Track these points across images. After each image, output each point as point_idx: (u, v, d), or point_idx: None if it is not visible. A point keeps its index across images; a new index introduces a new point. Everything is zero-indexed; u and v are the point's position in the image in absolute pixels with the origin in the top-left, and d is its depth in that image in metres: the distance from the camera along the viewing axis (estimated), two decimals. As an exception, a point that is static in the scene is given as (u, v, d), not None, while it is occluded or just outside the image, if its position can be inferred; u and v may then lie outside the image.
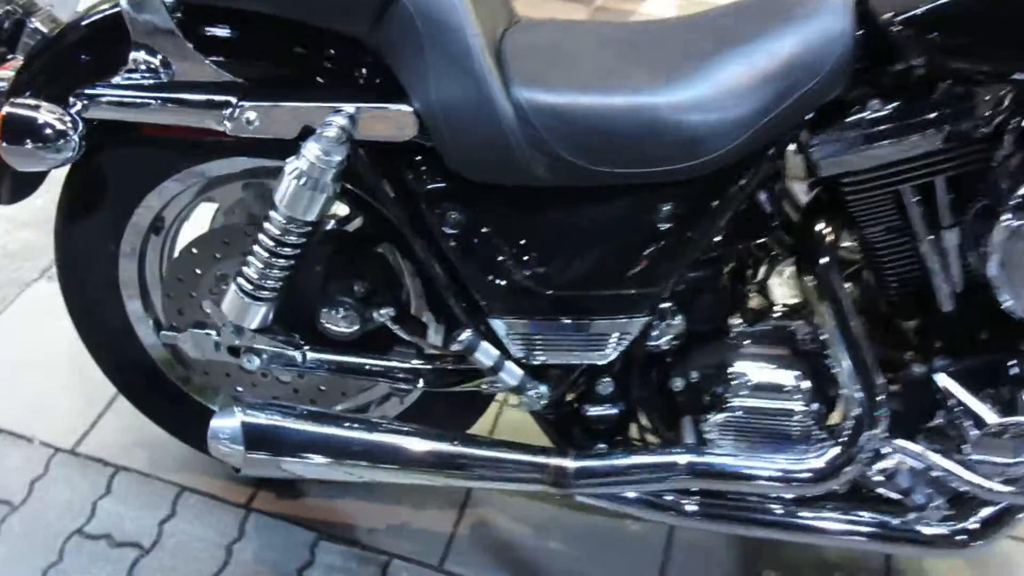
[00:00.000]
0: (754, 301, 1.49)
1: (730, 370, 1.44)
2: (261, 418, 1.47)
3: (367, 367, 1.55)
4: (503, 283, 1.38)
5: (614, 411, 1.50)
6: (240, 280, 1.44)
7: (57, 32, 1.42)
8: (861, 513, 1.48)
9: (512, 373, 1.43)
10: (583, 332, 1.41)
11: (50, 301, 2.21)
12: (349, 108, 1.29)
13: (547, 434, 1.55)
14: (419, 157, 1.33)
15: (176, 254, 1.61)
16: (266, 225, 1.39)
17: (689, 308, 1.45)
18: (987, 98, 1.20)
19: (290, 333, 1.54)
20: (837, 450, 1.40)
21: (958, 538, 1.44)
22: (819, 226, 1.36)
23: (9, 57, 1.46)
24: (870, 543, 1.47)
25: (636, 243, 1.35)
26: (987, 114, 1.20)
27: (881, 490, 1.45)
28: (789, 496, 1.46)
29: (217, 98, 1.33)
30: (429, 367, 1.55)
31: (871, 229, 1.33)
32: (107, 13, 1.39)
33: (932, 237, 1.29)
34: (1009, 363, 1.34)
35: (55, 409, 2.01)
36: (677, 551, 1.80)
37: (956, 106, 1.21)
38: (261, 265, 1.42)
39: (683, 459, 1.43)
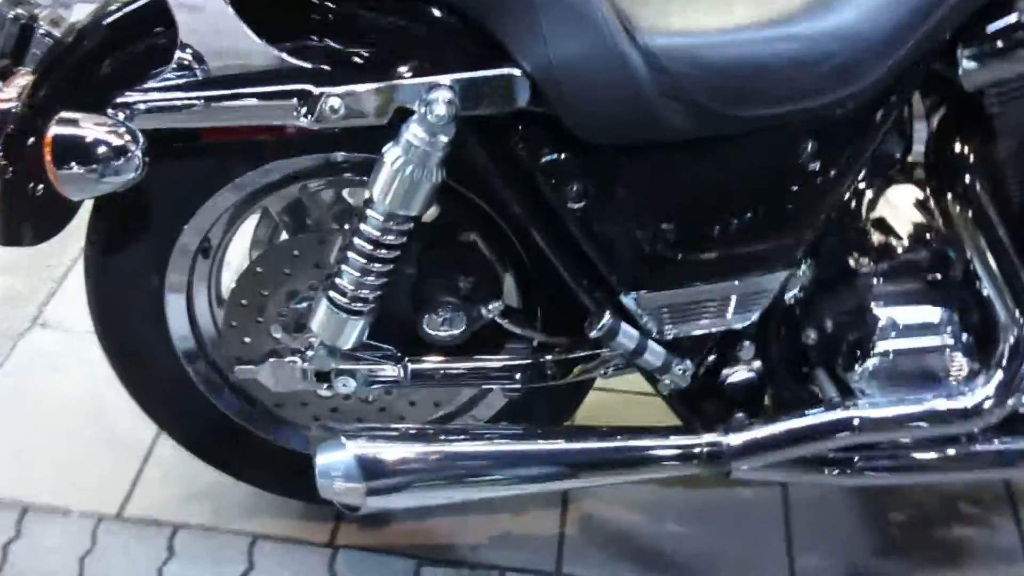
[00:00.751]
0: (880, 236, 1.39)
1: (870, 314, 1.34)
2: (376, 446, 1.30)
3: (477, 371, 1.40)
4: (636, 254, 1.24)
5: (753, 377, 1.38)
6: (332, 294, 1.26)
7: (75, 34, 1.20)
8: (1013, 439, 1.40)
9: (656, 352, 1.30)
10: (725, 295, 1.29)
11: (49, 351, 1.99)
12: (449, 80, 1.13)
13: (679, 414, 1.42)
14: (530, 128, 1.18)
15: (234, 276, 1.41)
16: (361, 227, 1.22)
17: (817, 253, 1.34)
18: None
19: (388, 347, 1.37)
20: (999, 378, 1.31)
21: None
22: (956, 146, 1.27)
23: (15, 70, 1.23)
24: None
25: (779, 191, 1.23)
26: None
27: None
28: (953, 434, 1.37)
29: (292, 88, 1.14)
30: (543, 360, 1.40)
31: (1012, 142, 1.24)
32: (134, 6, 1.18)
33: None
34: None
35: (86, 472, 1.77)
36: (797, 510, 1.71)
37: None
38: (357, 273, 1.24)
39: (845, 415, 1.32)
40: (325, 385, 1.39)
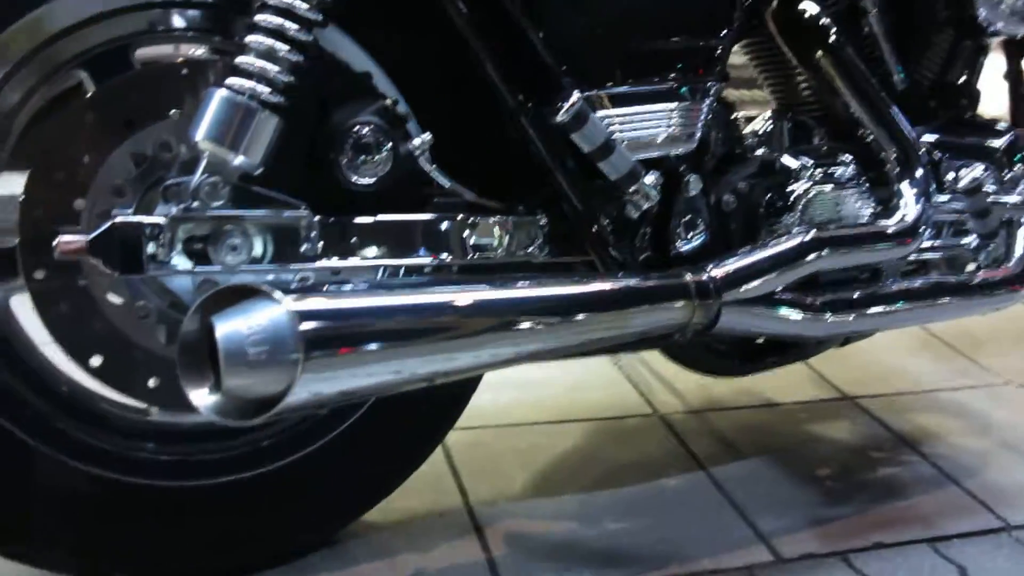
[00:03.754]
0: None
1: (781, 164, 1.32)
2: (324, 301, 0.89)
3: (401, 230, 1.08)
4: (583, 42, 1.12)
5: (708, 215, 1.24)
6: (234, 80, 0.94)
7: None
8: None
9: (623, 156, 1.13)
10: (666, 103, 1.17)
11: None
12: None
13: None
14: None
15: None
16: None
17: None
18: None
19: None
20: (908, 191, 1.32)
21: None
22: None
23: None
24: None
25: None
26: None
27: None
28: (896, 259, 1.33)
29: None
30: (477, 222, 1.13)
31: None
32: None
33: None
34: None
35: None
36: (730, 487, 1.47)
37: None
38: (270, 41, 0.95)
39: (809, 236, 1.21)
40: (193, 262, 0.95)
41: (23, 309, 1.04)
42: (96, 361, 1.02)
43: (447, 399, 1.23)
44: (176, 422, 1.12)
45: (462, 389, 1.24)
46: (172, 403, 1.06)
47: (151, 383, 1.04)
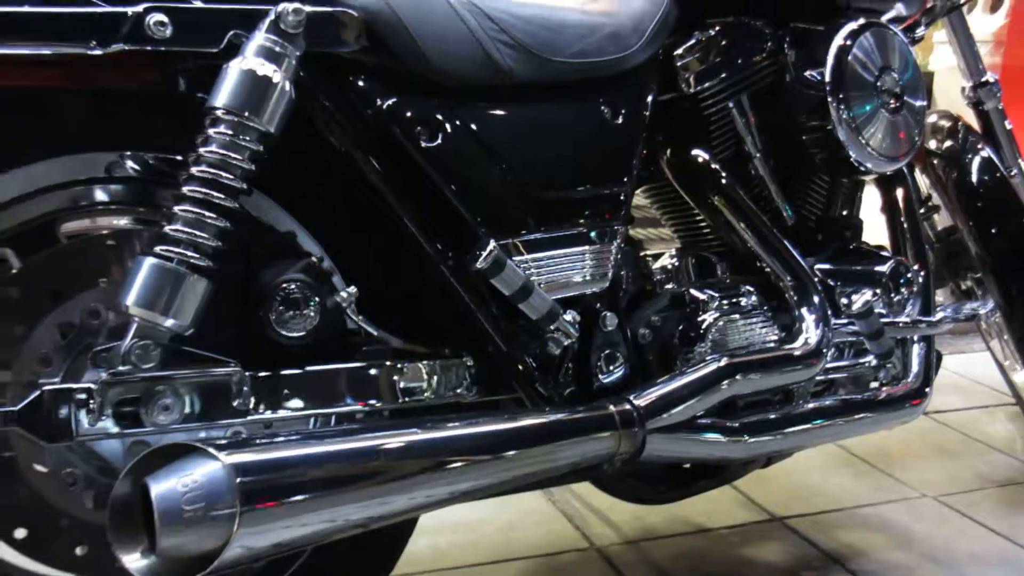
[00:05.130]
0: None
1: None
2: (259, 453, 0.91)
3: (331, 379, 1.11)
4: (495, 193, 1.19)
5: (623, 348, 1.30)
6: (163, 248, 0.97)
7: None
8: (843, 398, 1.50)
9: (541, 296, 1.18)
10: (579, 247, 1.26)
11: None
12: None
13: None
14: (373, 72, 1.13)
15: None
16: (202, 150, 0.99)
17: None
18: None
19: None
20: (805, 319, 1.41)
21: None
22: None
23: None
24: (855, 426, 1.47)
25: (592, 139, 1.29)
26: None
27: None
28: (804, 380, 1.40)
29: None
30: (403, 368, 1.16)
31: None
32: None
33: None
34: None
35: None
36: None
37: None
38: (198, 211, 0.99)
39: (723, 362, 1.28)
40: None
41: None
42: (21, 533, 0.99)
43: (384, 545, 1.23)
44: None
45: (398, 534, 1.24)
46: (98, 571, 1.03)
47: (78, 551, 1.01)
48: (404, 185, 1.14)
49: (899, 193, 1.68)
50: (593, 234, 1.27)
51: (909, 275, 1.55)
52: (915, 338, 1.56)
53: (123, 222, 1.13)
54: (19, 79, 0.97)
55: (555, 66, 1.25)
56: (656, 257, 1.49)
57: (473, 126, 1.18)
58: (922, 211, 1.87)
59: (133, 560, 0.87)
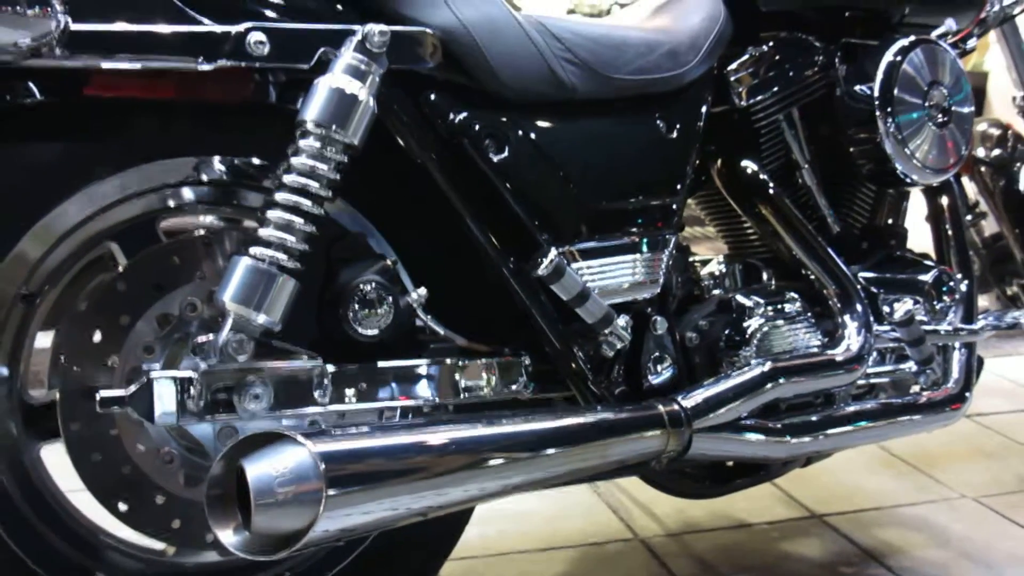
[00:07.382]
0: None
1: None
2: (341, 443, 1.00)
3: (402, 375, 1.21)
4: (556, 204, 1.27)
5: (671, 349, 1.38)
6: (256, 249, 1.07)
7: None
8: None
9: (597, 302, 1.26)
10: (631, 253, 1.33)
11: None
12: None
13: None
14: (447, 88, 1.21)
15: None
16: (294, 160, 1.09)
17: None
18: None
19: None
20: (851, 324, 1.47)
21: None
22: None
23: None
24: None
25: (648, 151, 1.37)
26: None
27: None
28: (846, 384, 1.46)
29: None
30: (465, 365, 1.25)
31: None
32: None
33: None
34: None
35: None
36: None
37: None
38: (288, 217, 1.09)
39: (767, 365, 1.35)
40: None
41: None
42: (124, 506, 1.10)
43: (442, 533, 1.32)
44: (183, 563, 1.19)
45: (455, 522, 1.33)
46: (191, 543, 1.14)
47: (175, 524, 1.12)
48: (471, 194, 1.22)
49: (945, 202, 1.73)
50: (646, 242, 1.35)
51: (951, 284, 1.60)
52: (956, 344, 1.61)
53: (214, 221, 1.24)
54: (133, 91, 1.07)
55: (616, 83, 1.32)
56: (704, 263, 1.56)
57: (537, 139, 1.26)
58: (969, 218, 1.92)
59: (227, 535, 0.96)
